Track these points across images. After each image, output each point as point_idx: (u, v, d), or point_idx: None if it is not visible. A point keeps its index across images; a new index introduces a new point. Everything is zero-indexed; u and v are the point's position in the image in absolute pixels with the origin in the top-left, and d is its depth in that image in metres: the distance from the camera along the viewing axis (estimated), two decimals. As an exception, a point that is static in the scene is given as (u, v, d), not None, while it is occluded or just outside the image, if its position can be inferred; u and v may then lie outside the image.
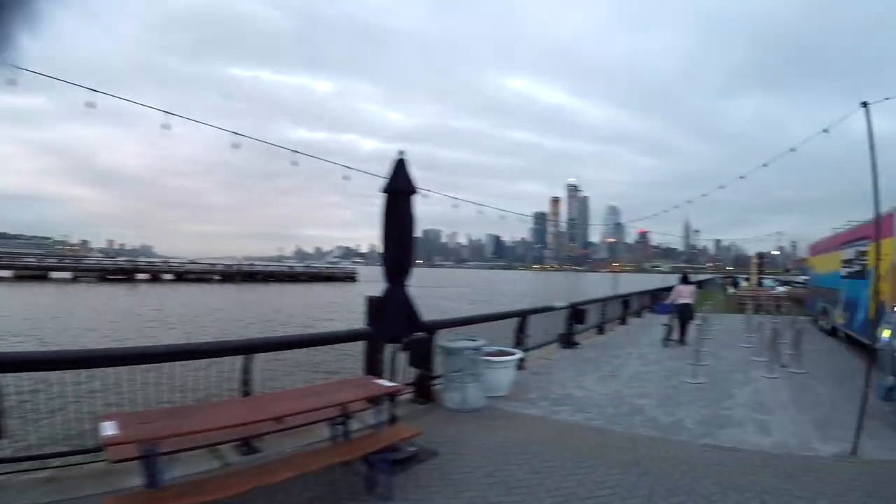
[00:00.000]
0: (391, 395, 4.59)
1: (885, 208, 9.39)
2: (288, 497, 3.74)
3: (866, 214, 11.87)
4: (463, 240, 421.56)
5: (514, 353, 7.36)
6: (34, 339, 17.02)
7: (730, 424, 6.14)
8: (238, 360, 4.95)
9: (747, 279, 40.94)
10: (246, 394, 4.89)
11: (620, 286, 22.29)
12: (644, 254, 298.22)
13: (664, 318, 12.57)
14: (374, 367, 5.55)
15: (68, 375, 4.41)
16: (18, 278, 54.51)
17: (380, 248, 5.08)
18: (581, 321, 11.47)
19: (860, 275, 10.54)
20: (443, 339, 6.77)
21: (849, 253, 11.52)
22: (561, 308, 11.01)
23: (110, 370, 4.50)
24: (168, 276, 63.77)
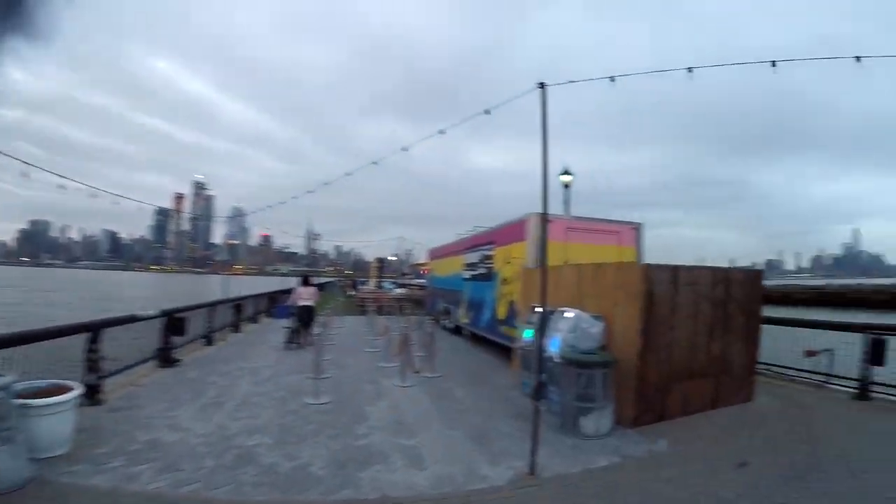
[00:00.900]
0: None
1: (513, 216, 10.66)
2: None
3: (476, 226, 13.80)
4: (76, 235, 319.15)
5: (71, 389, 4.94)
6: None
7: (371, 460, 4.84)
8: None
9: (364, 282, 43.35)
10: None
11: (239, 289, 20.15)
12: (266, 257, 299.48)
13: (285, 322, 11.97)
14: None
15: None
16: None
17: None
18: (181, 332, 9.21)
19: (486, 277, 11.70)
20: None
21: (473, 257, 12.83)
22: (150, 317, 8.49)
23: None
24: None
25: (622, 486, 4.44)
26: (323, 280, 54.73)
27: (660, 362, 6.28)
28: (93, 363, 6.58)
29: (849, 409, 6.70)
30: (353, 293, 34.38)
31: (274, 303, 19.20)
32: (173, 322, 9.16)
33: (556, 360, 6.23)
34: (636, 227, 10.05)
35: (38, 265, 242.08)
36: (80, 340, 6.57)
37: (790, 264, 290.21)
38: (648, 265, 6.30)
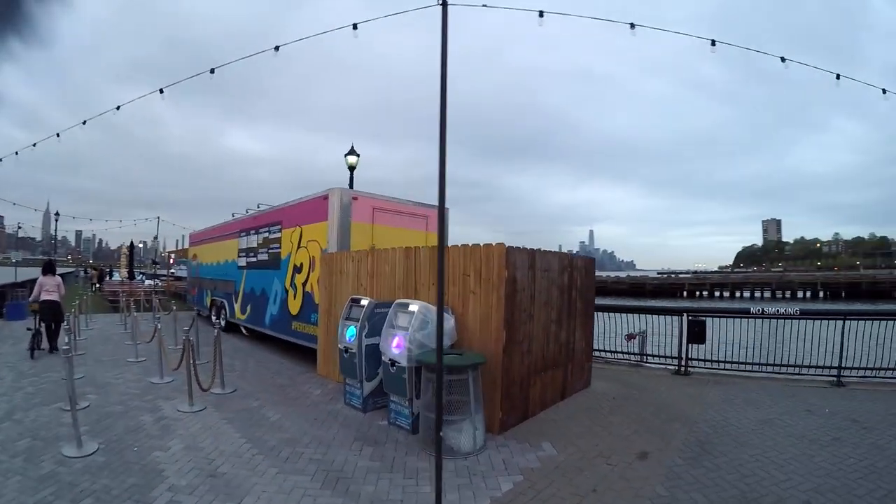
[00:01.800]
0: None
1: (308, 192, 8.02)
2: None
3: (261, 206, 10.51)
4: None
5: None
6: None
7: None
8: None
9: (112, 272, 35.20)
10: None
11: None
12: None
13: (29, 322, 8.97)
14: None
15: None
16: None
17: None
18: None
19: (270, 264, 8.80)
20: None
21: (252, 240, 9.67)
22: None
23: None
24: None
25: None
26: (64, 270, 41.21)
27: (522, 355, 5.15)
28: None
29: (681, 385, 6.73)
30: (100, 286, 28.11)
31: (3, 299, 13.96)
32: None
33: (400, 364, 4.72)
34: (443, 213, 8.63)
35: None
36: None
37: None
38: (510, 247, 4.87)
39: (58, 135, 6.51)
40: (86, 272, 41.53)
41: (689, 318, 7.37)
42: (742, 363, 7.27)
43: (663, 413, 5.52)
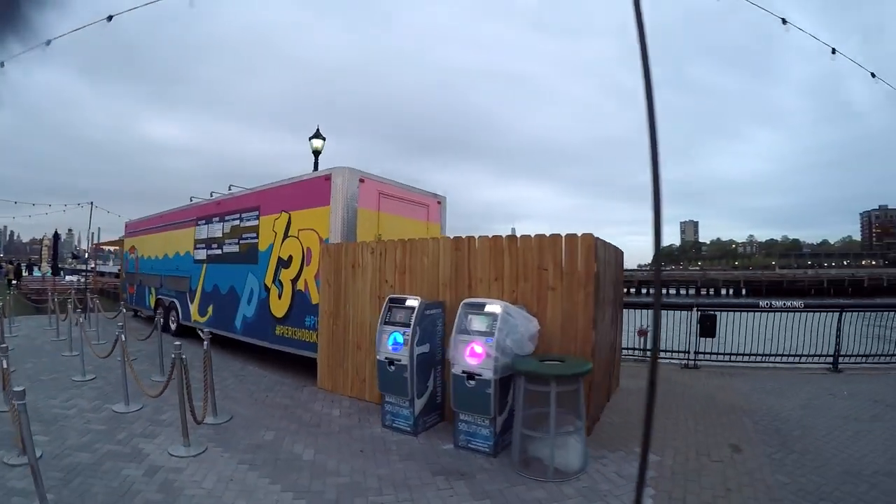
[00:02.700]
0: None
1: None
2: None
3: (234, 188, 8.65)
4: None
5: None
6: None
7: None
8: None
9: (28, 267, 29.83)
10: None
11: None
12: None
13: None
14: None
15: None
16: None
17: None
18: None
19: (243, 257, 7.31)
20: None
21: (215, 229, 8.01)
22: None
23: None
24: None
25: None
26: None
27: (600, 361, 4.49)
28: None
29: (701, 378, 6.58)
30: (16, 283, 22.64)
31: None
32: None
33: (482, 376, 3.85)
34: (441, 201, 7.77)
35: None
36: None
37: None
38: (597, 238, 4.20)
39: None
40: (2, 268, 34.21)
41: (700, 312, 7.22)
42: (742, 355, 7.24)
43: (711, 406, 5.28)
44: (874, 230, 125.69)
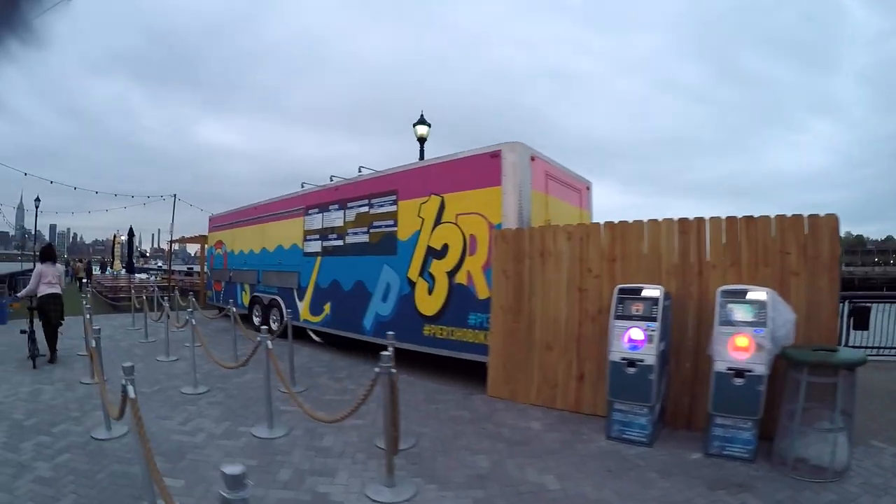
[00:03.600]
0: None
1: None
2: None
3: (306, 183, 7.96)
4: None
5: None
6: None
7: None
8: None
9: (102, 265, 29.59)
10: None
11: None
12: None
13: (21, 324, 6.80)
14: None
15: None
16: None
17: None
18: None
19: (373, 249, 6.55)
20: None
21: (334, 219, 7.27)
22: None
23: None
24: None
25: None
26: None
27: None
28: None
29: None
30: (87, 282, 23.16)
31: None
32: None
33: (753, 372, 3.39)
34: (589, 187, 6.97)
35: None
36: None
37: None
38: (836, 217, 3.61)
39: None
40: (68, 266, 33.94)
41: (853, 304, 6.53)
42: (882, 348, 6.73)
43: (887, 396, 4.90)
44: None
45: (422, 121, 9.53)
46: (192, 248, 23.87)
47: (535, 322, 4.85)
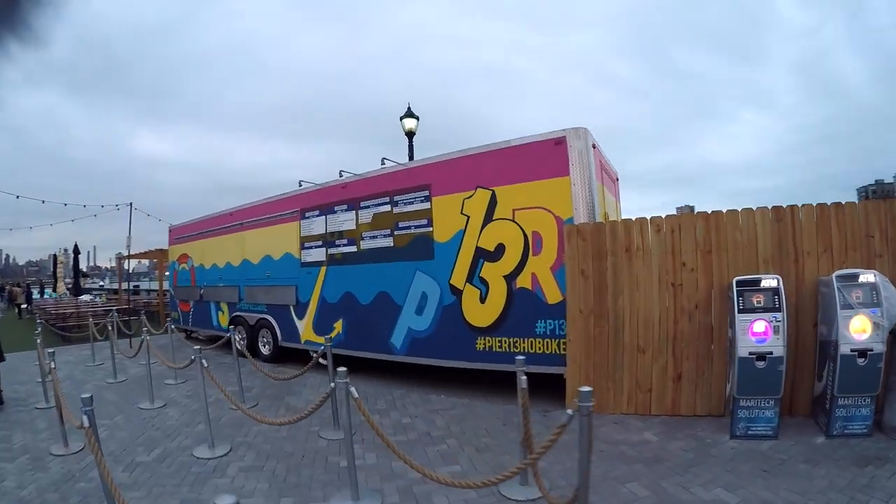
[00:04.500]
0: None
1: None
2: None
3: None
4: None
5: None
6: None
7: None
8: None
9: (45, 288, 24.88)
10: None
11: None
12: None
13: None
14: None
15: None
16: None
17: None
18: None
19: (405, 253, 5.75)
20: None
21: (343, 221, 6.28)
22: None
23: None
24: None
25: None
26: None
27: None
28: None
29: None
30: (27, 308, 18.54)
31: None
32: None
33: (874, 350, 3.48)
34: (617, 179, 6.82)
35: None
36: None
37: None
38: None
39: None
40: (2, 291, 26.52)
41: None
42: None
43: None
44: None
45: (409, 114, 8.77)
46: (132, 264, 20.66)
47: (622, 324, 4.49)
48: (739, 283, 3.85)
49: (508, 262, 5.03)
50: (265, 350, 6.85)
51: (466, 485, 2.58)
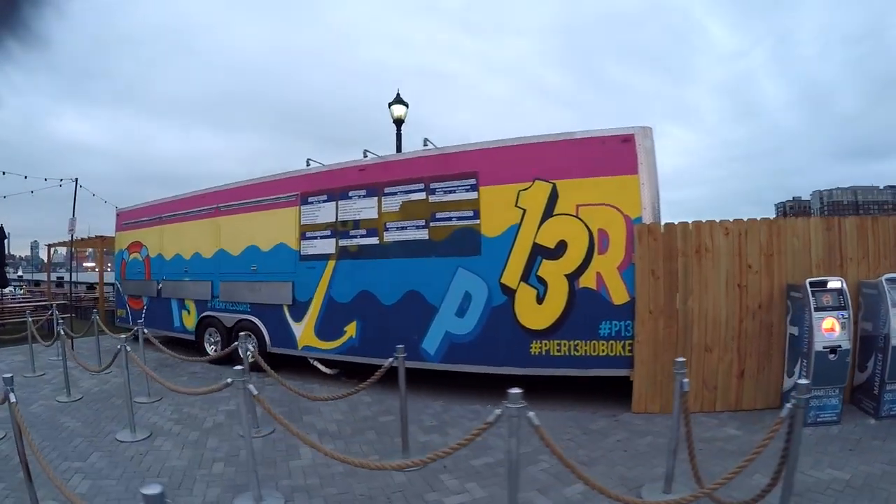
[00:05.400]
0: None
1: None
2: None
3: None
4: None
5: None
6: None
7: None
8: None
9: None
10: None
11: None
12: None
13: None
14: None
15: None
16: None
17: None
18: None
19: (445, 248, 5.10)
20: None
21: (360, 209, 5.34)
22: None
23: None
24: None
25: None
26: None
27: None
28: None
29: None
30: None
31: None
32: None
33: None
34: None
35: None
36: None
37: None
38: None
39: None
40: None
41: None
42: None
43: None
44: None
45: (398, 100, 7.96)
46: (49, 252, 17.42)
47: (692, 324, 4.55)
48: (813, 284, 4.15)
49: (571, 260, 4.76)
50: (249, 357, 5.55)
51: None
